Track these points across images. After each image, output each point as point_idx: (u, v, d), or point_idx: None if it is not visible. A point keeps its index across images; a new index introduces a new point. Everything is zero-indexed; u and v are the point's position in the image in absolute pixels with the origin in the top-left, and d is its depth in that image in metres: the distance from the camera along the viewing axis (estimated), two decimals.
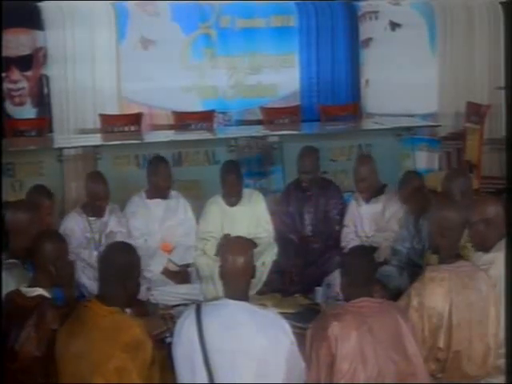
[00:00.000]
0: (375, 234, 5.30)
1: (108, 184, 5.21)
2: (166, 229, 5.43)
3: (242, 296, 3.05)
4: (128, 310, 3.52)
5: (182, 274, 5.33)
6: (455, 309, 3.37)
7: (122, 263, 3.14)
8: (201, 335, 2.91)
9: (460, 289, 3.39)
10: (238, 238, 3.39)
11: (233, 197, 5.45)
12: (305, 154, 5.59)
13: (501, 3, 6.90)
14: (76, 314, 3.10)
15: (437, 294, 3.38)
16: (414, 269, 4.30)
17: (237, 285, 3.07)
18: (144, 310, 4.39)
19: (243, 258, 3.08)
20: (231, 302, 3.02)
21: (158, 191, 5.42)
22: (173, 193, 5.51)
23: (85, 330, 3.00)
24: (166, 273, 5.27)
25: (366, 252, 3.50)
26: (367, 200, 5.34)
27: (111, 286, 3.11)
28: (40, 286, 3.33)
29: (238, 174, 5.45)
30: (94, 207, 5.21)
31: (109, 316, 3.02)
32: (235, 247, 3.18)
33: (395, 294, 3.89)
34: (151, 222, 5.40)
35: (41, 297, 3.28)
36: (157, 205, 5.43)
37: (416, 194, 4.87)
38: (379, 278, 4.62)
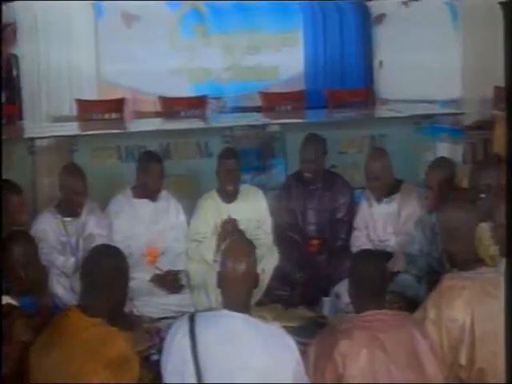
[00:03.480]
0: (389, 237, 5.30)
1: (85, 177, 5.18)
2: (153, 233, 5.40)
3: (243, 307, 3.05)
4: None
5: (172, 281, 5.31)
6: (478, 321, 3.36)
7: (107, 269, 3.15)
8: (194, 350, 2.91)
9: (483, 298, 3.38)
10: (239, 239, 3.38)
11: (230, 187, 5.43)
12: (309, 141, 5.59)
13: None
14: (54, 324, 3.10)
15: (456, 304, 3.38)
16: (434, 276, 4.29)
17: (237, 294, 3.07)
18: (127, 322, 4.38)
19: (245, 264, 3.08)
20: (230, 313, 3.01)
21: (147, 191, 5.40)
22: (163, 193, 5.48)
23: (63, 342, 3.00)
24: (155, 281, 5.26)
25: (377, 256, 3.49)
26: (380, 199, 5.33)
27: (94, 294, 3.12)
28: (9, 294, 3.32)
29: (236, 160, 5.47)
30: (70, 205, 5.19)
31: (91, 328, 3.02)
32: (236, 250, 3.17)
33: (413, 306, 3.88)
34: (136, 225, 5.38)
35: (9, 306, 3.27)
36: (144, 205, 5.41)
37: (443, 185, 4.84)
38: (395, 287, 4.63)
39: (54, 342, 3.01)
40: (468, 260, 3.54)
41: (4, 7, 8.15)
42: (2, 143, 5.57)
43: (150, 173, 5.34)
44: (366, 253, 3.72)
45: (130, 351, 3.01)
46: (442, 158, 5.56)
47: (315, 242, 5.54)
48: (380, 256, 3.55)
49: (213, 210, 5.49)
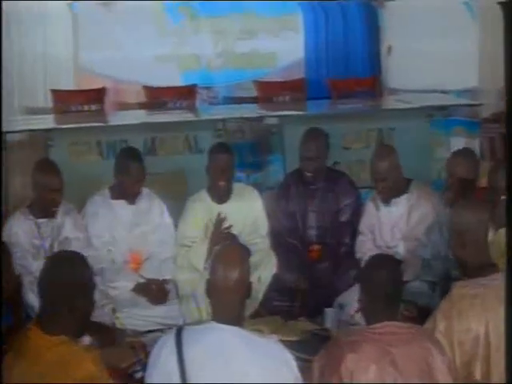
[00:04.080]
0: (398, 243, 5.30)
1: (61, 174, 5.14)
2: (135, 237, 5.40)
3: (234, 319, 3.03)
4: (87, 339, 3.50)
5: (158, 290, 5.30)
6: (493, 331, 3.36)
7: (68, 279, 3.12)
8: (181, 367, 2.90)
9: (498, 306, 3.36)
10: (232, 244, 3.38)
11: (222, 183, 5.41)
12: (310, 137, 5.58)
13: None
14: (15, 346, 3.07)
15: (469, 314, 3.38)
16: (450, 283, 4.29)
17: (228, 305, 3.05)
18: (108, 337, 4.38)
19: (237, 272, 3.06)
20: (220, 326, 3.00)
21: (125, 192, 5.39)
22: (144, 192, 5.46)
23: (26, 366, 2.97)
24: (139, 290, 5.25)
25: (392, 261, 3.49)
26: (388, 201, 5.32)
27: (55, 308, 3.09)
28: None
29: (229, 155, 5.44)
30: (44, 204, 5.16)
31: (53, 348, 3.00)
32: (227, 256, 3.16)
33: (425, 316, 3.88)
34: (117, 228, 5.37)
35: None
36: (124, 207, 5.41)
37: (467, 177, 4.82)
38: (405, 295, 4.62)
39: (16, 366, 2.99)
40: (480, 266, 3.54)
41: None
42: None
43: (129, 173, 5.30)
44: (380, 257, 3.72)
45: (99, 371, 2.98)
46: (467, 148, 5.59)
47: (316, 247, 5.53)
48: (395, 261, 3.54)
49: (203, 212, 5.47)
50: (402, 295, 3.41)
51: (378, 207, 5.37)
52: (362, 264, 5.03)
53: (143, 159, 5.41)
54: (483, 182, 4.93)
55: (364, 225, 5.45)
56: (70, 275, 3.14)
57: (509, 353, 3.10)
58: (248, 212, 5.52)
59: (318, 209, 5.60)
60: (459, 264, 3.72)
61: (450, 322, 3.39)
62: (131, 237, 5.38)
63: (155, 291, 5.24)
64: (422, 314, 4.27)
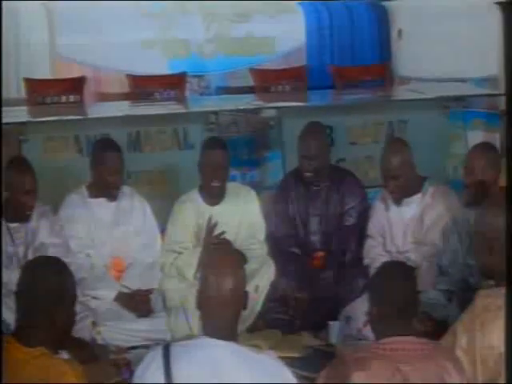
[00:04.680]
0: (411, 248, 5.29)
1: (35, 173, 5.15)
2: (116, 239, 5.42)
3: (228, 334, 3.03)
4: (65, 355, 3.50)
5: (143, 301, 5.30)
6: None
7: (47, 287, 3.12)
8: None
9: None
10: (224, 250, 3.37)
11: (215, 183, 5.42)
12: (309, 133, 5.59)
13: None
14: None
15: (493, 327, 3.36)
16: (469, 293, 4.30)
17: (221, 318, 3.04)
18: (88, 354, 4.37)
19: (231, 281, 3.05)
20: (213, 341, 2.99)
21: (104, 188, 5.40)
22: (125, 189, 5.49)
23: (4, 380, 2.97)
24: (121, 300, 5.24)
25: (404, 269, 3.48)
26: (400, 201, 5.32)
27: (33, 318, 3.09)
28: None
29: (223, 151, 5.46)
30: (17, 207, 5.17)
31: (32, 361, 3.00)
32: (220, 264, 3.14)
33: (441, 329, 3.88)
34: (96, 230, 5.39)
35: None
36: (103, 206, 5.43)
37: (488, 173, 4.83)
38: (421, 307, 4.62)
39: None
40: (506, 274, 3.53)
41: None
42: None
43: (106, 165, 5.34)
44: (392, 264, 3.71)
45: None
46: (488, 142, 5.61)
47: (320, 254, 5.56)
48: (409, 269, 3.53)
49: (194, 214, 5.49)
50: (416, 307, 3.40)
51: (388, 207, 5.36)
52: (371, 271, 5.07)
53: (121, 149, 5.43)
54: (502, 180, 4.93)
55: (373, 227, 5.45)
56: (49, 283, 3.15)
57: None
58: (244, 214, 5.54)
59: (321, 212, 5.61)
60: (483, 272, 3.72)
61: (472, 337, 3.37)
62: (112, 239, 5.40)
63: (139, 302, 5.24)
64: (437, 327, 4.27)
